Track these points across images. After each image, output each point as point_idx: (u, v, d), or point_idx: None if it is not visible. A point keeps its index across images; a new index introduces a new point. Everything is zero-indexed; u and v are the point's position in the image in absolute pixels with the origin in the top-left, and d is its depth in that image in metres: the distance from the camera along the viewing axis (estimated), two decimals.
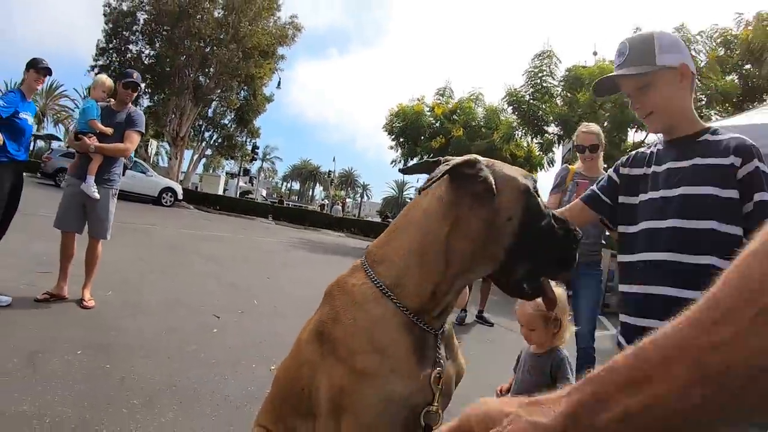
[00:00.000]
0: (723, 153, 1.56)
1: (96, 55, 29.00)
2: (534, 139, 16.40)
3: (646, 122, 1.71)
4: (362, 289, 1.20)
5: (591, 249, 3.74)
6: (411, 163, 19.68)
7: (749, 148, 1.54)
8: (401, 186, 66.48)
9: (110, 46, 29.03)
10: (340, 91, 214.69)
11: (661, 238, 1.56)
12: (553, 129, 15.92)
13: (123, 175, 4.97)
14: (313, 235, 20.86)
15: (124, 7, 28.81)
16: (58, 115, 56.13)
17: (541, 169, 17.00)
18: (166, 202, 20.90)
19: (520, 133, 16.24)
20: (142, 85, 29.88)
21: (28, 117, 4.40)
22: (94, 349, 3.39)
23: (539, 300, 1.55)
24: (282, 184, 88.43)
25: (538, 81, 16.12)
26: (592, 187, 1.87)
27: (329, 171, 57.62)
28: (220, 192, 36.14)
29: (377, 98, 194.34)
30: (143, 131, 5.03)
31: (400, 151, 19.39)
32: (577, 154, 4.15)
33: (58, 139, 44.78)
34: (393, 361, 1.13)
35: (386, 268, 1.20)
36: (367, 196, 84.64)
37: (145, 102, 29.37)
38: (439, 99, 19.76)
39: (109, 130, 4.60)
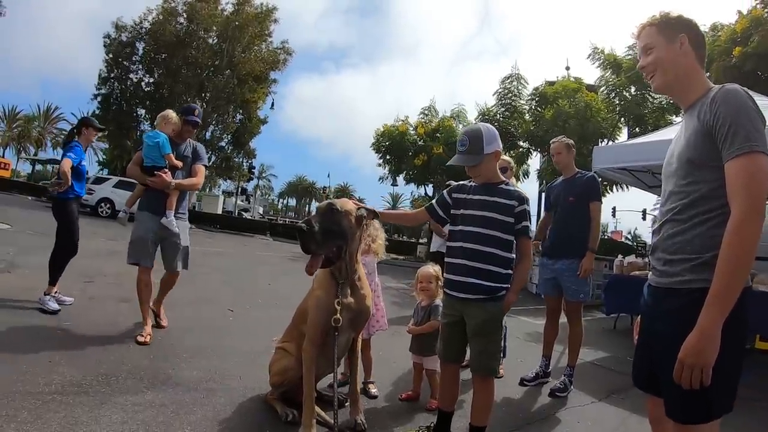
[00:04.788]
0: (509, 197, 2.85)
1: (98, 83, 30.39)
2: (507, 154, 17.85)
3: (474, 180, 2.95)
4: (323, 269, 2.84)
5: None
6: (399, 178, 21.10)
7: (522, 196, 2.87)
8: (396, 199, 67.79)
9: (111, 75, 30.39)
10: (336, 106, 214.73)
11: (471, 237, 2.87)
12: (523, 144, 17.43)
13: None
14: None
15: (124, 38, 30.13)
16: (57, 139, 57.12)
17: (517, 180, 18.40)
18: None
19: None
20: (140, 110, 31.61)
21: (85, 163, 5.61)
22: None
23: (434, 267, 3.21)
24: (278, 201, 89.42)
25: (508, 101, 17.67)
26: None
27: (324, 187, 59.10)
28: (219, 211, 37.41)
29: (374, 114, 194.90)
30: (207, 164, 5.37)
31: (387, 168, 20.71)
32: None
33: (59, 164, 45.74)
34: (324, 288, 2.84)
35: None
36: None
37: (146, 127, 30.85)
38: (424, 117, 21.02)
39: (179, 164, 4.77)
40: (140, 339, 4.32)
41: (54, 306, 4.98)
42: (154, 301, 4.90)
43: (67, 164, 5.25)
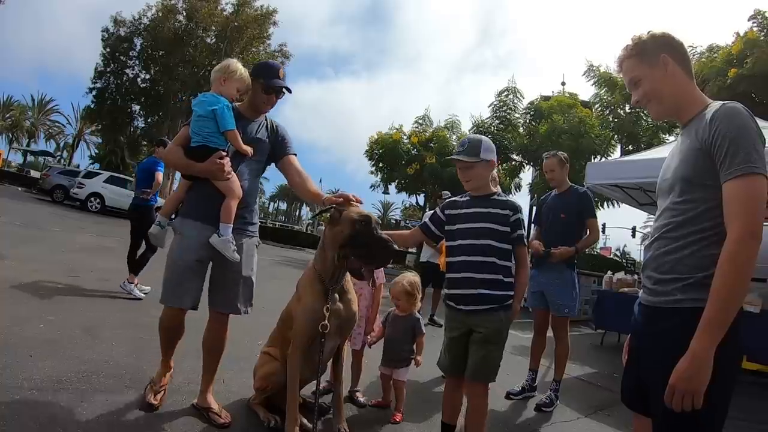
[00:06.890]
0: (503, 206, 2.88)
1: (94, 77, 30.38)
2: (500, 167, 17.88)
3: (466, 185, 2.97)
4: (307, 270, 2.79)
5: None
6: (390, 186, 21.11)
7: (515, 205, 2.89)
8: (387, 207, 67.93)
9: (108, 69, 30.34)
10: (334, 112, 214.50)
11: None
12: (516, 157, 17.48)
13: None
14: (297, 254, 22.14)
15: (122, 33, 30.14)
16: (50, 130, 56.62)
17: (509, 193, 18.47)
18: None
19: None
20: (137, 108, 31.49)
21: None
22: (134, 326, 4.72)
23: (407, 279, 3.12)
24: (269, 204, 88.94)
25: (503, 114, 17.75)
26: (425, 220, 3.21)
27: None
28: None
29: (371, 122, 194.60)
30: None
31: (379, 175, 20.70)
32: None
33: (51, 155, 45.32)
34: (312, 294, 2.77)
35: (316, 262, 2.76)
36: None
37: (140, 123, 30.77)
38: (418, 127, 21.08)
39: (249, 150, 3.04)
40: (151, 400, 3.04)
41: (139, 294, 5.99)
42: (201, 389, 3.25)
43: (160, 176, 6.42)
